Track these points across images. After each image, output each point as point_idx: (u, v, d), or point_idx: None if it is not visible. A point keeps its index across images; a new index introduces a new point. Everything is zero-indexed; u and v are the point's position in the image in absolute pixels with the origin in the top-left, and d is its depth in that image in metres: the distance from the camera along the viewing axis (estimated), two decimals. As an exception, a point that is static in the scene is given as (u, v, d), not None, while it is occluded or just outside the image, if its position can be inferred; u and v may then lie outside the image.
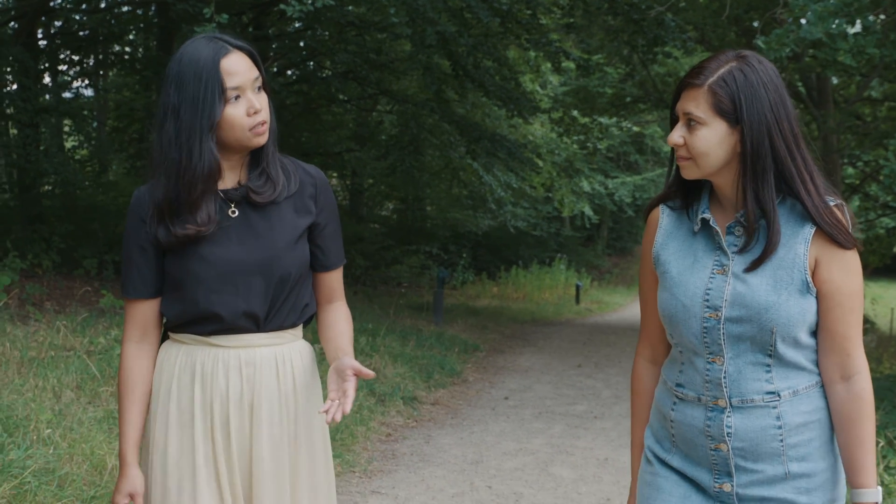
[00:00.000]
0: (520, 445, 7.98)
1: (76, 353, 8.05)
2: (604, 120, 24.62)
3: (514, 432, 8.53)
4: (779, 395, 2.54)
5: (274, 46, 19.24)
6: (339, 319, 3.03)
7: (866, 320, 19.76)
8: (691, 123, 2.53)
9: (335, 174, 28.11)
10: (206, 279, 2.79)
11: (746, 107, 2.47)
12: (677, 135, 2.56)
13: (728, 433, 2.56)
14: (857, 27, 8.94)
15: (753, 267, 2.52)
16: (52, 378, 7.07)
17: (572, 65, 18.34)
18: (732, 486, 2.59)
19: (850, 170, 24.59)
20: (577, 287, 27.10)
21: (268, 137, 2.82)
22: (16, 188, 19.61)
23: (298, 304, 2.92)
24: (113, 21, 19.02)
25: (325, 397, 2.87)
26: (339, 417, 2.64)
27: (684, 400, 2.67)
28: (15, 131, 20.77)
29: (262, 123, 2.77)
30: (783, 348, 2.52)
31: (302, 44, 19.17)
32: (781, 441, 2.54)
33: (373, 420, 8.23)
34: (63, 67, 21.31)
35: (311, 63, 19.99)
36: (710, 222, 2.61)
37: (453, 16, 15.73)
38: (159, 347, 2.95)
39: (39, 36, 19.17)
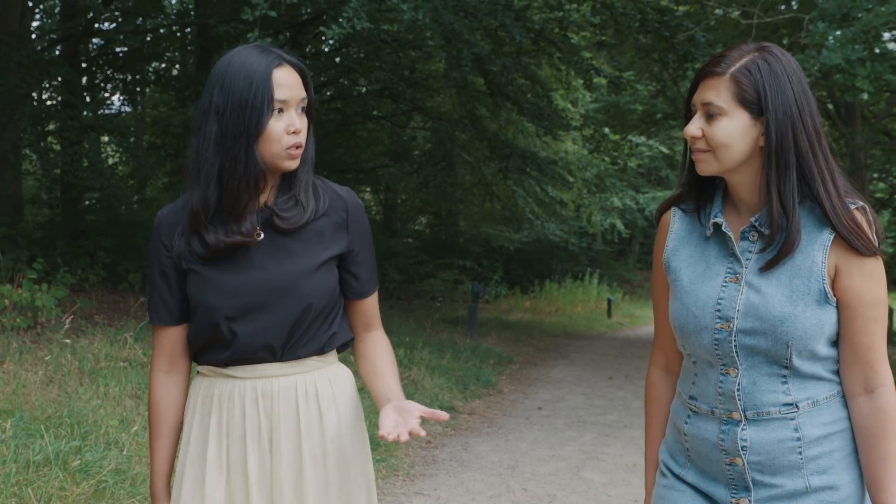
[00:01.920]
0: (553, 452, 8.33)
1: (131, 364, 8.47)
2: (634, 138, 24.88)
3: (547, 440, 8.87)
4: (797, 407, 2.41)
5: (308, 63, 19.65)
6: (381, 355, 2.91)
7: (891, 332, 19.90)
8: (711, 114, 2.40)
9: (368, 189, 28.48)
10: (220, 306, 2.67)
11: (772, 97, 2.34)
12: (695, 126, 2.43)
13: (743, 447, 2.45)
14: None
15: (767, 268, 2.40)
16: (113, 387, 7.48)
17: (603, 81, 18.61)
18: (750, 500, 2.47)
19: (881, 185, 24.77)
20: (609, 301, 27.33)
21: (301, 164, 2.72)
22: (59, 204, 20.11)
23: (323, 335, 2.78)
24: (150, 39, 19.43)
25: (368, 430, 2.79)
26: (404, 437, 2.47)
27: (698, 413, 2.56)
28: (58, 147, 21.30)
29: (298, 147, 2.66)
30: (799, 362, 2.39)
31: (338, 60, 19.54)
32: (800, 454, 2.41)
33: (413, 428, 8.59)
34: (102, 83, 21.77)
35: (346, 80, 20.34)
36: (723, 227, 2.48)
37: (487, 35, 16.05)
38: (188, 377, 2.88)
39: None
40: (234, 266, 2.69)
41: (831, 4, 9.77)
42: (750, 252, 2.45)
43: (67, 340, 9.21)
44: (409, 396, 9.11)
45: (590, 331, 22.41)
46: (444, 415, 2.59)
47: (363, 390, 3.28)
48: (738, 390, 2.44)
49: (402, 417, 2.58)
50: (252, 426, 2.69)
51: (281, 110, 2.62)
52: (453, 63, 16.14)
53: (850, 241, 2.33)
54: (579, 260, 34.26)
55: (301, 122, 2.66)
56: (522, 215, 25.73)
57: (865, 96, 20.13)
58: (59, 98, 17.14)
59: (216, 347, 2.72)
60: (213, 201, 2.64)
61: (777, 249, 2.39)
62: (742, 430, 2.44)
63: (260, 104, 2.57)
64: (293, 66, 2.66)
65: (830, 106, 19.42)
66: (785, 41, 15.17)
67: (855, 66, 9.09)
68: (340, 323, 2.85)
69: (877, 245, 2.38)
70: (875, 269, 2.40)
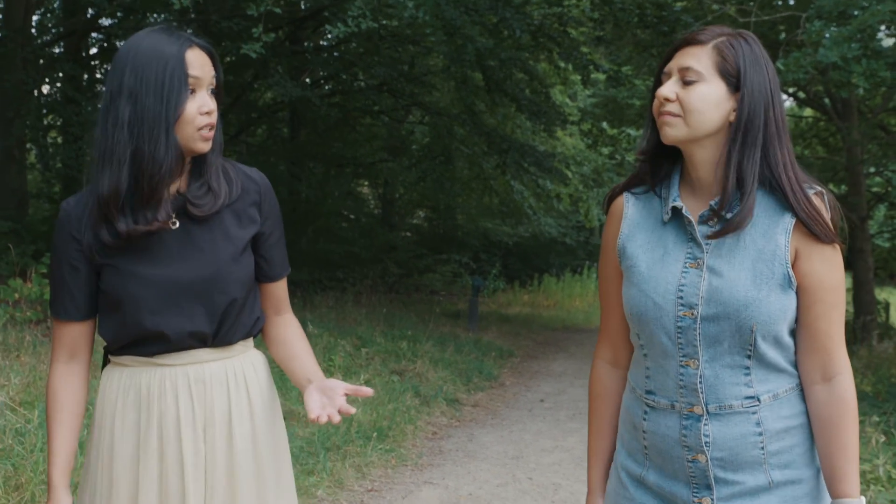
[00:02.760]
0: (556, 443, 8.50)
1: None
2: (632, 132, 24.99)
3: (550, 431, 9.05)
4: (758, 400, 2.38)
5: (309, 58, 19.76)
6: (293, 337, 2.90)
7: (887, 326, 20.04)
8: (688, 81, 2.38)
9: (366, 183, 28.59)
10: (146, 300, 2.59)
11: (750, 74, 2.37)
12: (669, 88, 2.41)
13: (706, 442, 2.39)
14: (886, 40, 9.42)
15: (715, 236, 2.38)
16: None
17: (601, 76, 18.72)
18: (712, 499, 2.41)
19: (877, 179, 24.92)
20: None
21: (212, 148, 2.67)
22: (61, 199, 20.24)
23: (249, 319, 2.78)
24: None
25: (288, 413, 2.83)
26: (336, 418, 2.53)
27: (656, 408, 2.48)
28: (59, 141, 21.44)
29: (211, 128, 2.61)
30: (764, 348, 2.36)
31: (336, 55, 19.63)
32: (762, 448, 2.38)
33: (419, 419, 8.81)
34: (102, 78, 21.89)
35: (345, 76, 20.44)
36: (683, 211, 2.45)
37: (486, 30, 16.17)
38: (89, 367, 2.77)
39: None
40: (153, 257, 2.61)
41: (828, 2, 9.94)
42: (709, 237, 2.41)
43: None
44: (414, 389, 9.35)
45: (588, 324, 22.56)
46: (367, 391, 2.60)
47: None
48: (700, 382, 2.38)
49: (327, 397, 2.60)
50: (186, 412, 2.64)
51: (193, 91, 2.57)
52: (454, 58, 16.28)
53: (810, 227, 2.32)
54: (577, 254, 34.38)
55: (213, 104, 2.62)
56: (520, 210, 25.84)
57: (861, 91, 20.26)
58: (60, 94, 17.23)
59: (144, 342, 2.65)
60: (124, 188, 2.54)
61: (724, 222, 2.37)
62: (705, 424, 2.39)
63: (178, 85, 2.52)
64: (202, 48, 2.63)
65: (827, 101, 19.54)
66: (783, 37, 15.32)
67: (850, 64, 9.25)
68: (259, 306, 2.85)
69: (835, 231, 2.36)
70: (834, 254, 2.38)
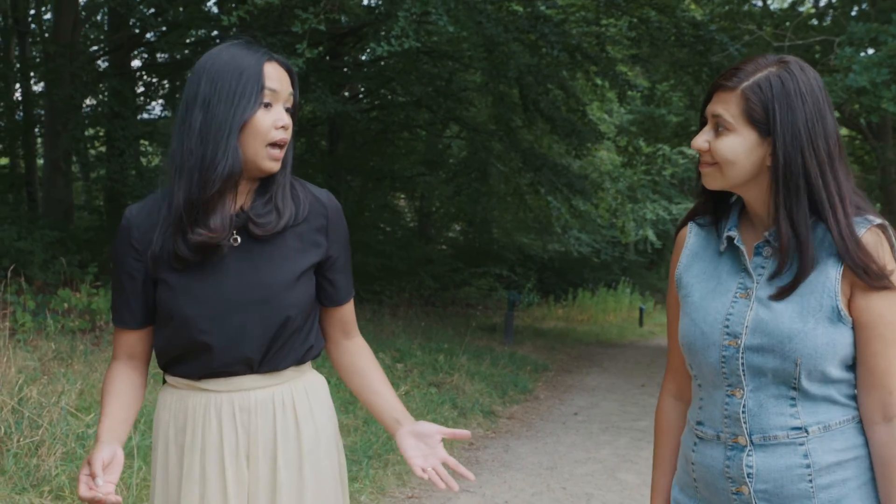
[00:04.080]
0: (589, 455, 8.73)
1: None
2: (668, 149, 25.09)
3: (583, 444, 9.27)
4: (806, 431, 2.28)
5: (348, 73, 20.07)
6: (369, 368, 2.86)
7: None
8: (719, 128, 2.32)
9: (403, 196, 28.85)
10: (195, 318, 2.57)
11: (780, 118, 2.25)
12: (702, 139, 2.36)
13: (749, 474, 2.32)
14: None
15: (782, 295, 2.29)
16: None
17: (637, 95, 18.89)
18: None
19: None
20: (641, 310, 27.63)
21: (281, 167, 2.63)
22: (104, 210, 20.64)
23: (301, 346, 2.71)
24: (200, 49, 19.87)
25: (341, 439, 2.80)
26: (454, 485, 2.57)
27: (704, 439, 2.44)
28: (100, 151, 21.82)
29: (282, 146, 2.59)
30: (808, 383, 2.28)
31: (374, 70, 19.90)
32: (811, 482, 2.28)
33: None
34: (144, 91, 22.24)
35: (384, 91, 20.67)
36: (736, 241, 2.40)
37: (525, 47, 16.40)
38: (147, 370, 2.79)
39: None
40: (207, 274, 2.58)
41: (859, 29, 10.19)
42: (763, 268, 2.36)
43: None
44: (451, 401, 9.62)
45: (622, 339, 22.73)
46: (465, 433, 2.64)
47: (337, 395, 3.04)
48: (743, 412, 2.32)
49: (425, 444, 2.62)
50: (229, 440, 2.62)
51: (269, 104, 2.55)
52: (493, 74, 16.53)
53: (860, 276, 2.23)
54: (611, 269, 34.48)
55: (288, 120, 2.61)
56: (552, 226, 25.97)
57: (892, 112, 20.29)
58: (105, 107, 17.56)
59: (189, 360, 2.63)
60: (195, 197, 2.52)
61: (792, 276, 2.29)
62: (748, 455, 2.32)
63: (249, 94, 2.51)
64: (281, 63, 2.62)
65: (862, 120, 19.67)
66: (817, 55, 15.50)
67: (880, 89, 9.48)
68: (317, 333, 2.80)
69: (889, 268, 2.24)
70: (894, 289, 2.27)
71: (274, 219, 2.60)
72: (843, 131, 22.22)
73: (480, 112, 22.73)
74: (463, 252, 28.75)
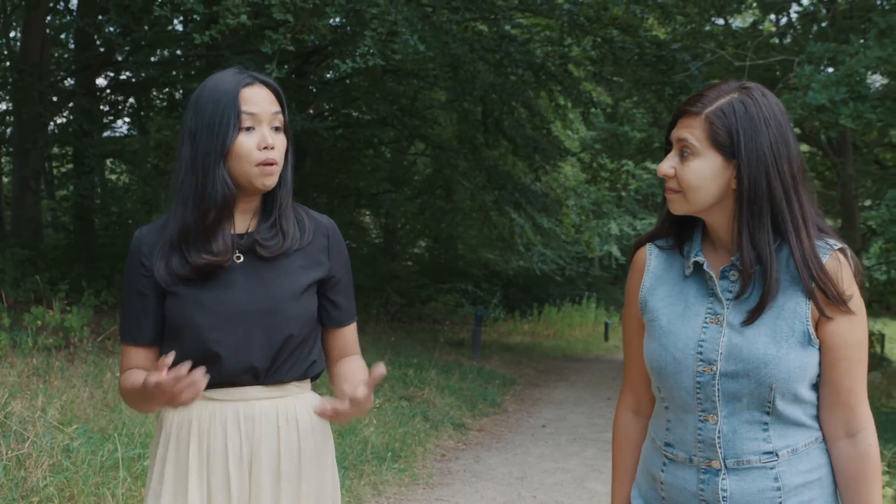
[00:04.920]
0: (558, 465, 8.93)
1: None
2: (632, 165, 25.31)
3: (552, 454, 9.47)
4: (777, 455, 2.36)
5: (315, 92, 20.20)
6: (353, 367, 2.88)
7: (881, 357, 20.32)
8: (684, 153, 2.36)
9: (368, 213, 28.98)
10: (205, 326, 2.64)
11: (745, 142, 2.29)
12: (668, 164, 2.40)
13: (724, 497, 2.38)
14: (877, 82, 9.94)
15: (751, 319, 2.34)
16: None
17: (601, 113, 19.09)
18: None
19: (873, 212, 25.21)
20: (606, 325, 27.81)
21: (280, 185, 2.72)
22: (72, 228, 20.67)
23: (304, 360, 2.78)
24: (166, 69, 19.89)
25: (335, 449, 2.83)
26: (337, 419, 2.58)
27: (675, 461, 2.47)
28: (63, 171, 21.85)
29: (272, 164, 2.64)
30: (782, 405, 2.34)
31: (340, 88, 20.02)
32: (780, 503, 2.36)
33: (428, 442, 9.25)
34: (110, 109, 22.26)
35: (349, 110, 20.79)
36: (704, 266, 2.43)
37: (489, 66, 16.59)
38: None
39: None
40: (216, 287, 2.67)
41: (818, 49, 10.49)
42: (730, 292, 2.40)
43: (108, 360, 9.79)
44: (422, 414, 9.83)
45: (588, 353, 22.94)
46: (380, 369, 2.53)
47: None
48: (718, 438, 2.37)
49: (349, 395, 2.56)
50: (234, 450, 2.67)
51: (252, 128, 2.62)
52: (458, 92, 16.73)
53: (817, 301, 2.30)
54: (576, 284, 34.68)
55: (275, 139, 2.65)
56: (516, 244, 26.13)
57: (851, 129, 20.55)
58: (74, 126, 17.62)
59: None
60: (191, 223, 2.64)
61: (758, 300, 2.34)
62: (722, 479, 2.38)
63: (227, 122, 2.58)
64: (266, 84, 2.68)
65: (823, 137, 19.97)
66: (777, 73, 15.78)
67: (838, 106, 9.77)
68: (319, 351, 2.85)
69: (847, 294, 2.31)
70: (859, 310, 2.35)
71: (279, 241, 2.71)
72: (804, 147, 22.55)
73: (445, 130, 22.91)
74: (428, 268, 28.86)
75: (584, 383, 16.06)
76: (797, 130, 18.94)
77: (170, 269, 2.68)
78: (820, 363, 2.36)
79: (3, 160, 22.35)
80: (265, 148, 2.62)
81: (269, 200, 2.76)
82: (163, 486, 2.70)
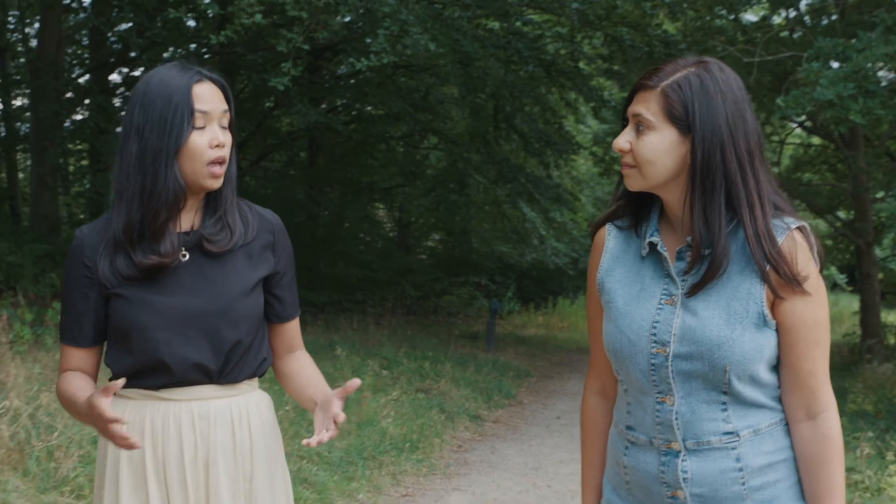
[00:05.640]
0: (572, 456, 9.09)
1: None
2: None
3: (566, 445, 9.65)
4: (738, 436, 2.33)
5: (327, 87, 20.34)
6: (306, 366, 2.90)
7: (894, 349, 20.29)
8: (640, 128, 2.32)
9: (382, 207, 29.09)
10: (154, 328, 2.59)
11: (700, 115, 2.25)
12: (623, 139, 2.35)
13: (684, 479, 2.34)
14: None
15: (693, 292, 2.31)
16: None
17: (611, 110, 19.17)
18: None
19: (884, 204, 25.15)
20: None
21: (226, 182, 2.69)
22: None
23: (255, 359, 2.78)
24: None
25: (285, 448, 2.81)
26: (324, 438, 2.53)
27: (636, 444, 2.44)
28: (83, 165, 22.04)
29: (222, 163, 2.63)
30: (739, 387, 2.31)
31: (352, 81, 20.12)
32: (743, 484, 2.33)
33: (445, 434, 9.46)
34: (118, 103, 22.38)
35: (361, 105, 20.88)
36: (658, 247, 2.39)
37: (500, 62, 16.69)
38: (95, 387, 2.69)
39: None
40: (163, 288, 2.63)
41: (826, 44, 10.60)
42: (686, 273, 2.35)
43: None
44: (439, 406, 10.00)
45: (601, 346, 23.03)
46: (354, 382, 2.54)
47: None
48: (676, 419, 2.34)
49: (325, 413, 2.61)
50: (189, 451, 2.64)
51: (204, 126, 2.59)
52: (470, 88, 16.84)
53: (770, 281, 2.27)
54: (590, 277, 34.61)
55: (224, 137, 2.64)
56: (529, 237, 26.20)
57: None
58: (90, 123, 17.75)
59: (150, 372, 2.64)
60: (136, 222, 2.58)
61: (702, 274, 2.31)
62: (682, 461, 2.35)
63: (180, 120, 2.54)
64: (214, 81, 2.66)
65: (835, 129, 19.96)
66: (789, 68, 15.84)
67: (847, 102, 9.88)
68: (268, 349, 2.85)
69: (803, 274, 2.28)
70: (817, 290, 2.31)
71: (226, 236, 2.69)
72: (816, 140, 22.62)
73: (458, 124, 22.99)
74: (443, 261, 28.86)
75: (598, 375, 16.17)
76: (808, 123, 19.09)
77: (114, 270, 2.63)
78: (779, 345, 2.34)
79: (19, 157, 22.48)
80: (217, 146, 2.61)
81: (212, 196, 2.73)
82: (120, 487, 2.64)
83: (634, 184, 2.38)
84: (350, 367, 11.34)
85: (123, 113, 2.74)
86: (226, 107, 2.66)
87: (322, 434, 2.52)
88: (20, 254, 14.62)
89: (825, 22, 16.47)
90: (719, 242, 2.26)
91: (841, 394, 12.30)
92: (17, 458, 6.13)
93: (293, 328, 2.92)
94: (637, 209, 2.49)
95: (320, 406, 2.65)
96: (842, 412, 9.71)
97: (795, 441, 2.36)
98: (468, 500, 7.29)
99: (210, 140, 2.59)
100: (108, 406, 2.38)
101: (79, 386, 2.62)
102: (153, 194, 2.55)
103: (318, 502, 6.64)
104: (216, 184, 2.64)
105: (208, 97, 2.60)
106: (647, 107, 2.30)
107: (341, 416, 2.52)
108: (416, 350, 14.25)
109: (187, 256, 2.67)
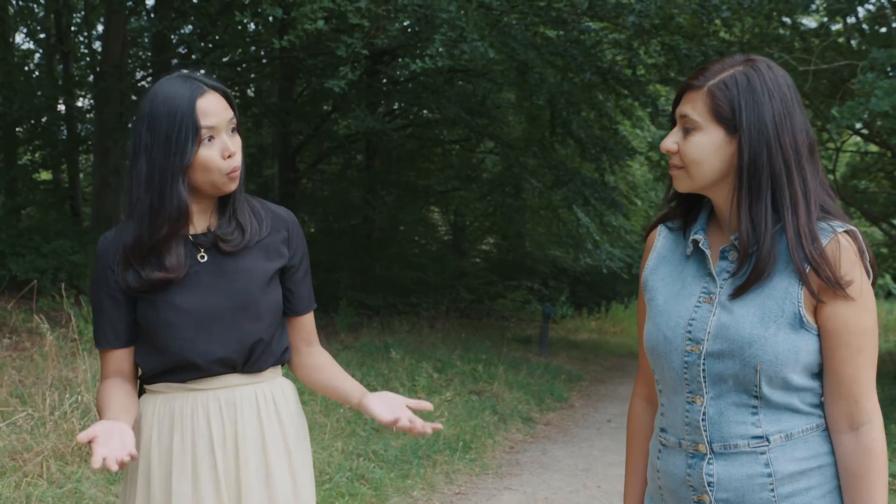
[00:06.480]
0: (622, 458, 9.14)
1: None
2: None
3: (616, 448, 9.78)
4: (768, 440, 2.27)
5: (385, 90, 20.54)
6: (328, 361, 3.00)
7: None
8: (687, 129, 2.31)
9: (437, 210, 29.24)
10: (179, 327, 2.68)
11: (746, 114, 2.23)
12: (671, 140, 2.35)
13: (709, 483, 2.30)
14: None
15: (737, 294, 2.28)
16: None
17: (665, 119, 19.18)
18: None
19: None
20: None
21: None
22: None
23: (278, 347, 2.87)
24: (239, 69, 20.23)
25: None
26: (428, 429, 2.68)
27: (667, 446, 2.41)
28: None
29: (237, 169, 2.70)
30: (769, 390, 2.25)
31: (410, 85, 20.29)
32: (772, 491, 2.26)
33: (497, 435, 9.64)
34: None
35: (418, 109, 21.03)
36: (701, 244, 2.38)
37: (556, 69, 16.81)
38: (136, 384, 2.87)
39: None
40: (185, 288, 2.71)
41: (881, 55, 10.67)
42: (728, 272, 2.33)
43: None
44: (491, 408, 10.20)
45: (654, 351, 23.05)
46: (427, 405, 2.73)
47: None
48: (703, 420, 2.31)
49: (391, 404, 2.73)
50: (218, 435, 2.72)
51: (212, 137, 2.63)
52: (526, 94, 16.97)
53: (809, 283, 2.23)
54: (644, 283, 34.55)
55: (234, 144, 2.69)
56: (583, 243, 26.23)
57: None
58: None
59: (178, 369, 2.74)
60: (145, 239, 2.65)
61: (747, 275, 2.28)
62: (708, 464, 2.31)
63: (184, 139, 2.58)
64: (216, 90, 2.69)
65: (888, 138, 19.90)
66: (846, 75, 15.85)
67: (901, 113, 9.97)
68: (287, 336, 2.94)
69: (846, 279, 2.22)
70: (861, 296, 2.25)
71: (238, 235, 2.76)
72: (873, 148, 22.53)
73: (514, 128, 23.09)
74: (497, 265, 28.93)
75: (650, 380, 16.25)
76: (865, 131, 19.04)
77: (135, 278, 2.71)
78: (821, 351, 2.28)
79: (81, 158, 22.86)
80: (229, 156, 2.67)
81: (224, 197, 2.81)
82: (151, 474, 2.73)
83: (682, 185, 2.37)
84: (404, 368, 11.55)
85: (131, 127, 2.81)
86: (231, 114, 2.71)
87: (406, 417, 2.67)
88: (84, 253, 14.93)
89: (884, 30, 16.45)
90: (765, 243, 2.24)
91: (892, 402, 12.36)
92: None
93: (308, 322, 3.00)
94: (687, 211, 2.49)
95: (380, 397, 2.77)
96: (894, 421, 9.80)
97: (837, 453, 2.29)
98: (519, 499, 7.46)
99: (221, 151, 2.65)
100: (95, 462, 2.34)
101: (107, 404, 2.67)
102: (160, 212, 2.63)
103: (375, 498, 6.85)
104: (234, 186, 2.72)
105: (213, 109, 2.65)
106: (694, 107, 2.30)
107: (428, 431, 2.68)
108: (470, 353, 14.46)
109: (206, 258, 2.75)
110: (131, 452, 2.35)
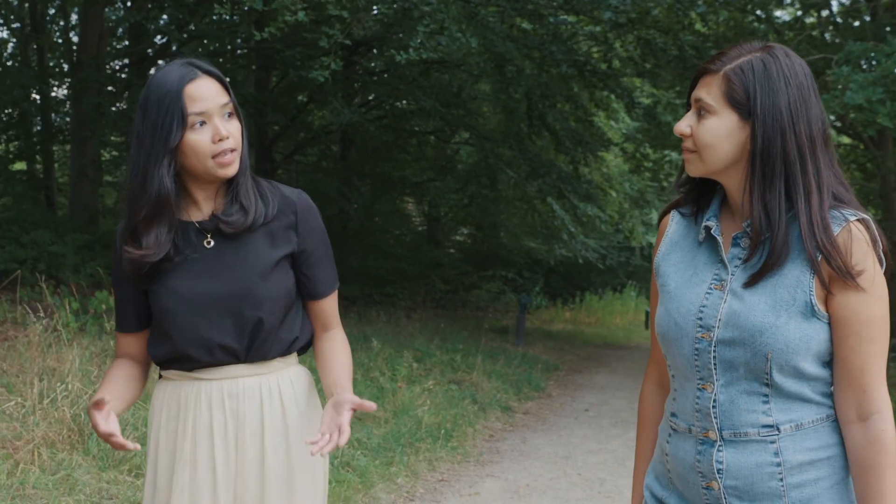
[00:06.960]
0: (600, 446, 9.39)
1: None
2: (675, 155, 25.45)
3: (595, 436, 9.93)
4: (778, 429, 2.26)
5: (363, 81, 20.57)
6: (335, 351, 2.95)
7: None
8: (701, 112, 2.29)
9: (411, 201, 29.28)
10: (180, 314, 2.73)
11: (761, 99, 2.21)
12: (685, 123, 2.33)
13: (719, 469, 2.29)
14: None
15: (751, 283, 2.26)
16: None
17: (645, 100, 19.27)
18: None
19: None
20: (647, 313, 27.87)
21: (238, 167, 2.75)
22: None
23: (286, 337, 2.86)
24: (220, 60, 20.23)
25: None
26: (327, 450, 2.55)
27: (677, 431, 2.41)
28: (114, 155, 22.34)
29: (231, 151, 2.69)
30: (780, 378, 2.24)
31: (385, 76, 20.34)
32: (781, 480, 2.25)
33: (477, 423, 9.76)
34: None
35: (393, 100, 21.08)
36: (713, 231, 2.36)
37: (533, 62, 16.89)
38: (147, 370, 2.96)
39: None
40: (188, 275, 2.75)
41: (856, 48, 10.82)
42: (740, 259, 2.32)
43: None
44: (471, 397, 10.30)
45: (628, 341, 23.23)
46: (371, 405, 2.64)
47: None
48: (713, 407, 2.30)
49: (336, 412, 2.66)
50: (219, 424, 2.76)
51: (203, 122, 2.64)
52: (503, 86, 17.06)
53: (820, 271, 2.21)
54: (618, 273, 34.79)
55: (229, 128, 2.69)
56: (558, 234, 26.31)
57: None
58: (129, 115, 18.07)
59: (183, 356, 2.77)
60: (129, 220, 2.71)
61: (761, 263, 2.26)
62: (718, 451, 2.30)
63: (169, 123, 2.60)
64: (210, 74, 2.69)
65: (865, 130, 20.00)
66: (819, 68, 16.00)
67: (875, 106, 10.08)
68: (302, 325, 2.93)
69: (857, 268, 2.20)
70: (871, 286, 2.21)
71: (241, 217, 2.76)
72: (845, 140, 22.69)
73: (489, 120, 23.16)
74: (471, 256, 28.99)
75: (626, 370, 16.46)
76: (837, 123, 19.18)
77: (127, 261, 2.75)
78: (831, 339, 2.25)
79: (55, 149, 22.83)
80: (220, 140, 2.66)
81: (230, 183, 2.81)
82: (158, 455, 2.83)
83: (694, 169, 2.36)
84: (384, 359, 11.62)
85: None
86: (226, 98, 2.70)
87: (323, 442, 2.57)
88: (62, 244, 14.95)
89: (857, 24, 16.61)
90: (779, 231, 2.23)
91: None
92: (78, 438, 6.49)
93: (325, 306, 2.97)
94: (700, 196, 2.48)
95: (333, 405, 2.71)
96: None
97: (847, 443, 2.27)
98: (501, 486, 7.57)
99: (213, 135, 2.65)
100: (100, 420, 2.57)
101: (107, 382, 2.82)
102: (141, 194, 2.66)
103: (361, 485, 6.94)
104: (230, 171, 2.71)
105: (203, 95, 2.65)
106: (709, 91, 2.28)
107: (345, 437, 2.59)
108: (448, 343, 14.59)
109: (213, 243, 2.77)
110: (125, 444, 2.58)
